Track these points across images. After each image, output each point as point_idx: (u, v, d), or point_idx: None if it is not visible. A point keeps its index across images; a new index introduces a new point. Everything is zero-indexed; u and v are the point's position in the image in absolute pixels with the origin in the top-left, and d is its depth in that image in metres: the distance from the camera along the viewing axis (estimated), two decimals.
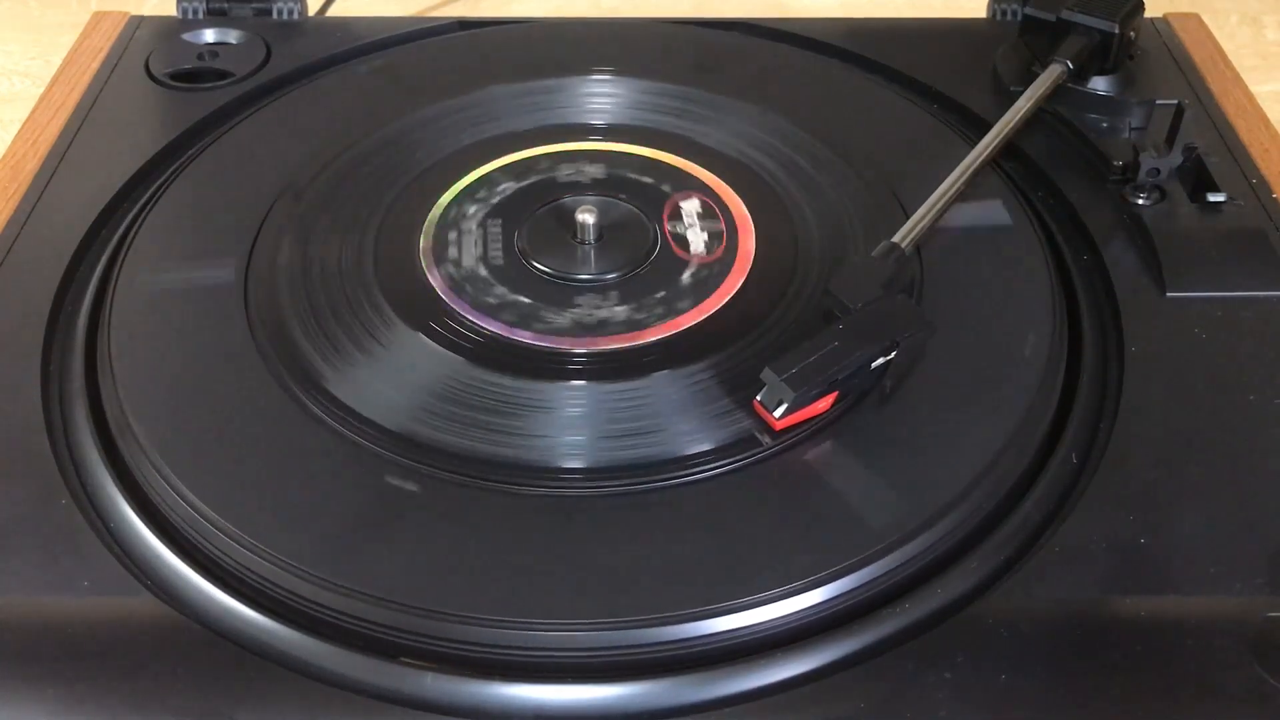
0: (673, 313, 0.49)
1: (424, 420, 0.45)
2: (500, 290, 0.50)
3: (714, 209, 0.51)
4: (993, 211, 0.55)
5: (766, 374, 0.44)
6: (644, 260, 0.52)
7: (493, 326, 0.49)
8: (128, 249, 0.52)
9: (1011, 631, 0.39)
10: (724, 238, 0.51)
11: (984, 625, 0.39)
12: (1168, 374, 0.47)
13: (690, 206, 0.49)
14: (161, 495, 0.43)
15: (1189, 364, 0.48)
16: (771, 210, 0.55)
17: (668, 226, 0.51)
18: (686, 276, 0.51)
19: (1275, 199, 0.55)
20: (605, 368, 0.47)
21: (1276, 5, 0.93)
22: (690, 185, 0.56)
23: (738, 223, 0.54)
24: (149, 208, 0.55)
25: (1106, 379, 0.48)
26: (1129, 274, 0.52)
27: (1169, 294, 0.51)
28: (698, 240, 0.50)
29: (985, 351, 0.48)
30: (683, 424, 0.45)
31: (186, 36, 0.66)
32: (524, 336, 0.48)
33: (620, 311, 0.49)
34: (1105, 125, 0.59)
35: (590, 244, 0.52)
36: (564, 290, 0.50)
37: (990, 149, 0.54)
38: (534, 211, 0.54)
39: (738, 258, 0.52)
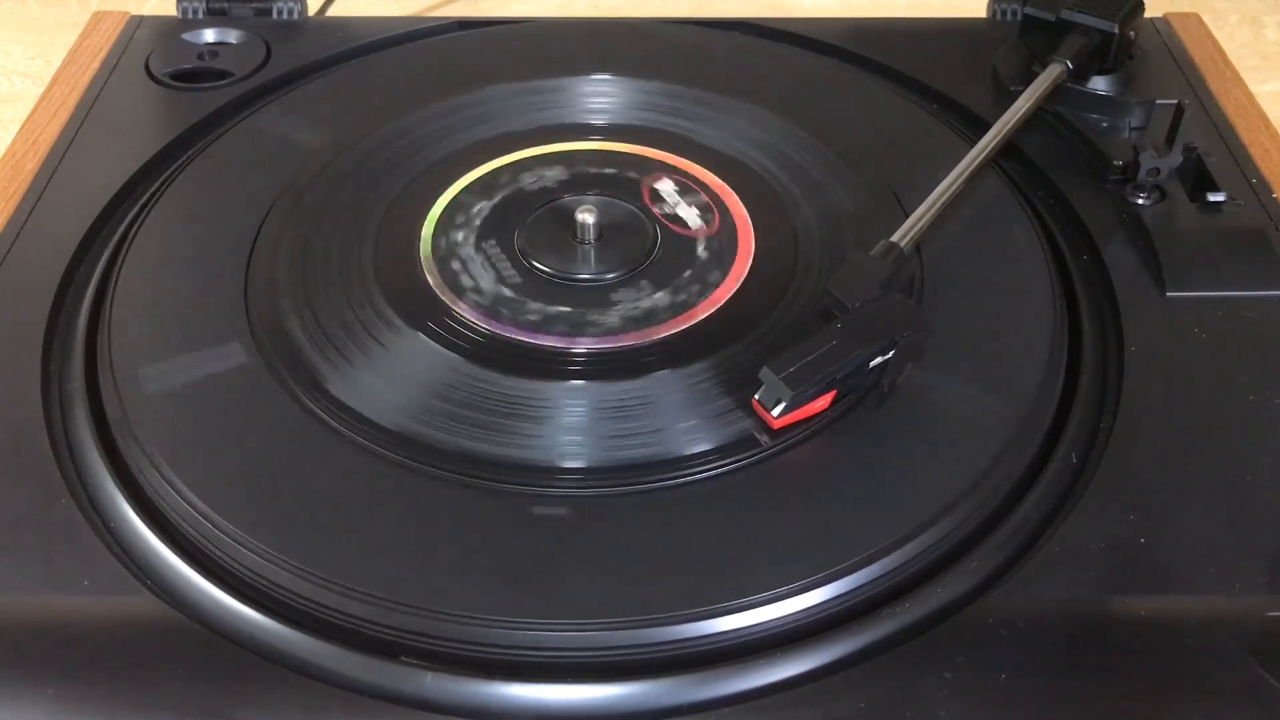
0: (673, 312, 0.49)
1: (424, 420, 0.45)
2: (500, 290, 0.50)
3: (689, 185, 0.50)
4: (993, 211, 0.55)
5: (765, 373, 0.44)
6: (644, 260, 0.52)
7: (492, 326, 0.49)
8: (128, 249, 0.52)
9: (1011, 631, 0.39)
10: (714, 212, 0.51)
11: (984, 625, 0.39)
12: (1168, 374, 0.47)
13: (666, 186, 0.48)
14: (161, 495, 0.43)
15: (1189, 364, 0.48)
16: (771, 210, 0.55)
17: (655, 210, 0.51)
18: (687, 276, 0.51)
19: (1275, 199, 0.55)
20: (605, 368, 0.47)
21: (1276, 5, 0.93)
22: (691, 184, 0.56)
23: (738, 223, 0.54)
24: (149, 207, 0.55)
25: (1106, 379, 0.48)
26: (1129, 274, 0.52)
27: (1169, 294, 0.51)
28: (690, 215, 0.50)
29: (985, 351, 0.48)
30: (683, 424, 0.45)
31: (186, 36, 0.66)
32: (524, 336, 0.48)
33: (620, 311, 0.49)
34: (1105, 125, 0.59)
35: (590, 244, 0.52)
36: (564, 290, 0.51)
37: (990, 149, 0.54)
38: (534, 211, 0.54)
39: (738, 258, 0.52)
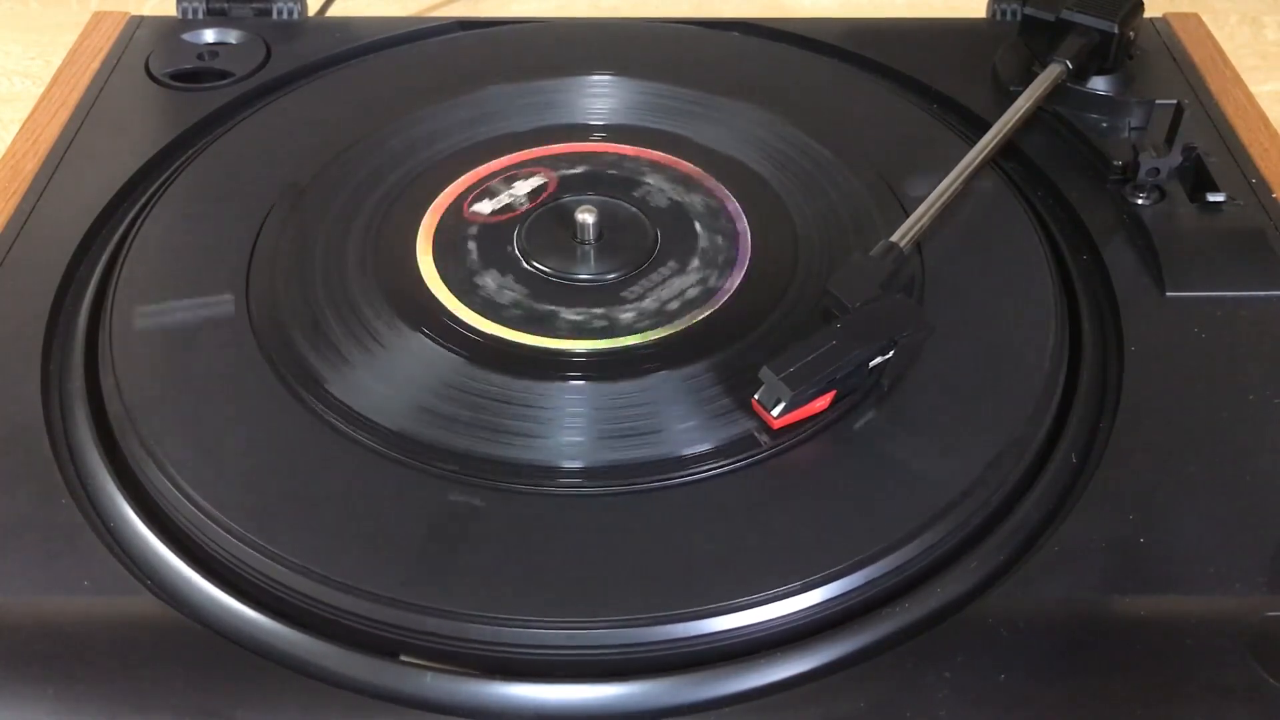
0: (673, 313, 0.49)
1: (424, 420, 0.45)
2: (500, 290, 0.50)
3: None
4: (993, 210, 0.55)
5: (764, 373, 0.44)
6: (644, 260, 0.52)
7: (492, 326, 0.49)
8: (128, 249, 0.52)
9: (1011, 631, 0.39)
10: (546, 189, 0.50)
11: (984, 625, 0.39)
12: (1168, 374, 0.47)
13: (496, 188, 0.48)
14: (161, 495, 0.43)
15: (1189, 364, 0.48)
16: (771, 210, 0.55)
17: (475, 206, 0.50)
18: (687, 277, 0.51)
19: (1275, 199, 0.55)
20: (605, 368, 0.47)
21: (1276, 5, 0.93)
22: (691, 185, 0.56)
23: (738, 223, 0.54)
24: (149, 208, 0.55)
25: (1106, 379, 0.48)
26: (1129, 274, 0.52)
27: (1169, 294, 0.51)
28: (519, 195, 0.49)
29: (985, 351, 0.48)
30: (682, 424, 0.45)
31: (186, 36, 0.66)
32: (524, 336, 0.48)
33: (620, 311, 0.49)
34: (1105, 125, 0.59)
35: (590, 244, 0.52)
36: (564, 290, 0.51)
37: (990, 148, 0.54)
38: (534, 212, 0.54)
39: (738, 258, 0.52)
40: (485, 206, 0.48)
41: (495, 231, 0.53)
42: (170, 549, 0.41)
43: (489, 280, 0.51)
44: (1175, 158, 0.55)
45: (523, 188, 0.48)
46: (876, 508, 0.42)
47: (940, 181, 0.52)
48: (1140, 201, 0.55)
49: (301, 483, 0.43)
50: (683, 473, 0.43)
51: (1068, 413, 0.46)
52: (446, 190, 0.55)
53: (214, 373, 0.47)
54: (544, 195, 0.48)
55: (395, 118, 0.60)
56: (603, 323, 0.49)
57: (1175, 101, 0.57)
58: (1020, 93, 0.57)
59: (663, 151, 0.58)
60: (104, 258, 0.53)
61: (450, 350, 0.48)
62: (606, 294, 0.50)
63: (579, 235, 0.52)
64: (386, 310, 0.49)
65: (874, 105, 0.62)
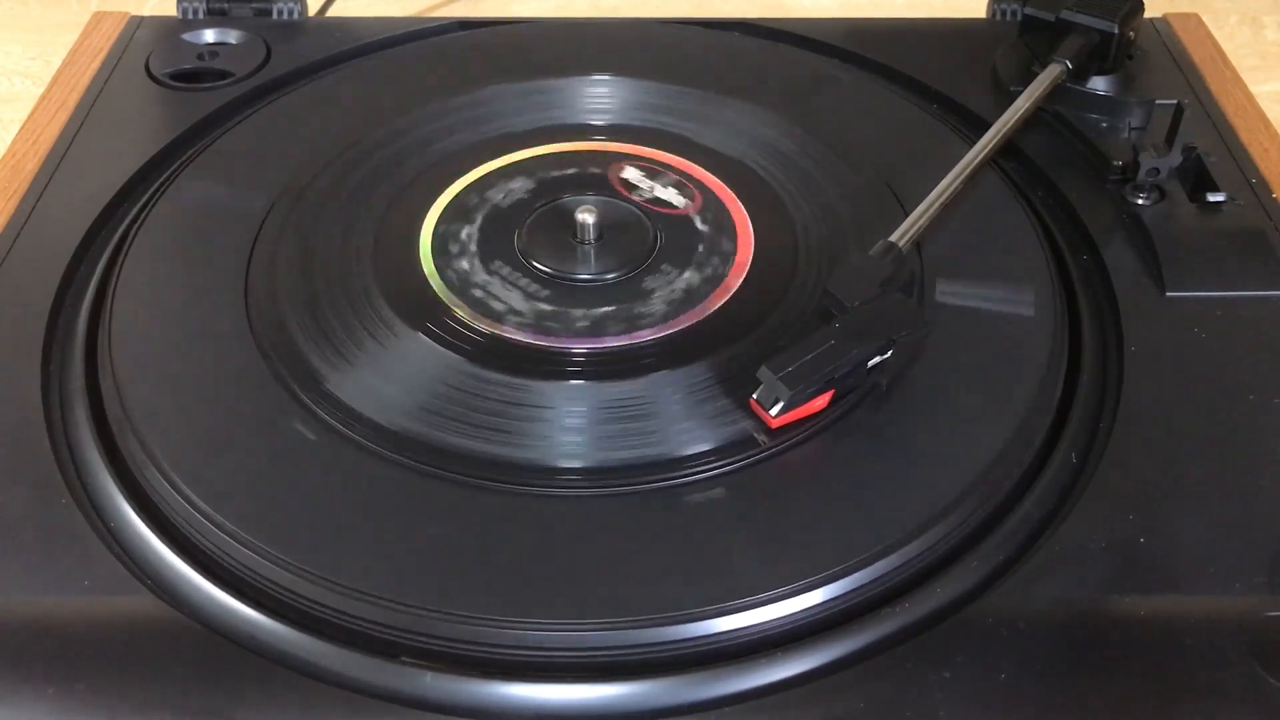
0: (672, 312, 0.49)
1: (424, 420, 0.45)
2: (500, 290, 0.50)
3: (654, 169, 0.50)
4: (993, 211, 0.55)
5: (763, 372, 0.44)
6: (644, 260, 0.52)
7: (492, 326, 0.49)
8: (128, 249, 0.52)
9: (1011, 631, 0.39)
10: (689, 186, 0.51)
11: (984, 625, 0.39)
12: (1168, 374, 0.47)
13: (632, 174, 0.48)
14: (161, 495, 0.43)
15: (1189, 364, 0.48)
16: (771, 210, 0.55)
17: (634, 197, 0.51)
18: (686, 276, 0.51)
19: (1275, 199, 0.55)
20: (605, 368, 0.47)
21: (1276, 5, 0.93)
22: (690, 185, 0.56)
23: (738, 223, 0.54)
24: (149, 207, 0.55)
25: (1106, 379, 0.48)
26: (1129, 274, 0.52)
27: (1169, 294, 0.51)
28: (670, 194, 0.50)
29: (984, 351, 0.48)
30: (682, 424, 0.45)
31: (186, 36, 0.66)
32: (524, 336, 0.48)
33: (620, 311, 0.49)
34: (1105, 125, 0.59)
35: (590, 244, 0.52)
36: (564, 290, 0.51)
37: (989, 148, 0.54)
38: (534, 211, 0.54)
39: (737, 257, 0.52)
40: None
41: (495, 231, 0.53)
42: (170, 549, 0.41)
43: (489, 280, 0.51)
44: (1175, 158, 0.55)
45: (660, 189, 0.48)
46: (876, 508, 0.42)
47: (940, 181, 0.52)
48: (1140, 201, 0.55)
49: (301, 483, 0.43)
50: (682, 473, 0.43)
51: (1068, 413, 0.46)
52: (447, 190, 0.55)
53: (214, 373, 0.47)
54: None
55: (395, 118, 0.60)
56: (602, 322, 0.49)
57: (1175, 101, 0.57)
58: (1020, 93, 0.57)
59: (663, 151, 0.58)
60: (104, 258, 0.53)
61: (450, 350, 0.48)
62: (606, 294, 0.50)
63: (579, 235, 0.52)
64: (386, 310, 0.49)
65: (874, 105, 0.62)
